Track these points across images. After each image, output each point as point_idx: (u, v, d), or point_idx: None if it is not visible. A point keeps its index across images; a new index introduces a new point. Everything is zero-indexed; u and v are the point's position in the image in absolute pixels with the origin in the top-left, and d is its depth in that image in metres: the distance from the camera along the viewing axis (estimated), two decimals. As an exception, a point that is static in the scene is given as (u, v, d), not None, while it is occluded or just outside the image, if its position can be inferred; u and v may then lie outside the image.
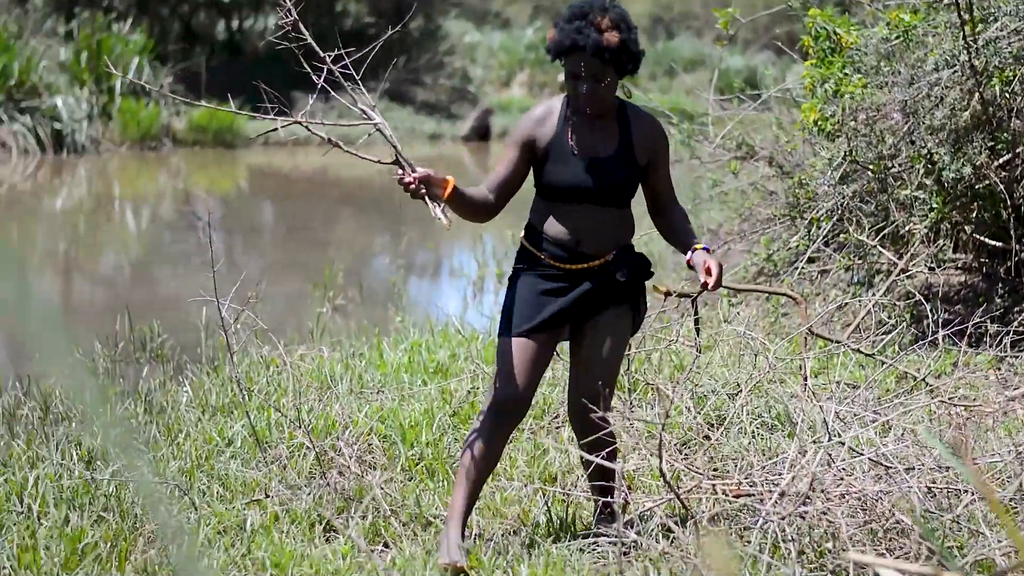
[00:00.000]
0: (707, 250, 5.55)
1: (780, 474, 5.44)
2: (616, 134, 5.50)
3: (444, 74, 33.78)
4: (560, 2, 55.09)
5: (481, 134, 31.76)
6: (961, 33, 7.95)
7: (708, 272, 5.46)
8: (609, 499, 5.57)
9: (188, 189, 19.16)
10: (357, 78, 5.35)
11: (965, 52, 7.97)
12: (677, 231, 5.69)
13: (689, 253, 5.58)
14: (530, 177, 5.55)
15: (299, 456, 6.32)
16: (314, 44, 5.42)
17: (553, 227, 5.45)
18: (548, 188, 5.48)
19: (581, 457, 5.55)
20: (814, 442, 5.52)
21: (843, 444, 5.46)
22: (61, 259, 15.55)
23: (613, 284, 5.48)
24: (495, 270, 13.62)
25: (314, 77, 5.31)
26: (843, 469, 5.46)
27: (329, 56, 5.34)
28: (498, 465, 6.28)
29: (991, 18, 8.30)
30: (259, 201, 21.63)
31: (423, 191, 5.21)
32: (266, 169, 25.41)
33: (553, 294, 5.40)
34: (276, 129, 5.36)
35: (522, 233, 5.56)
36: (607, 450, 5.44)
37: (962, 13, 7.90)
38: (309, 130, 5.35)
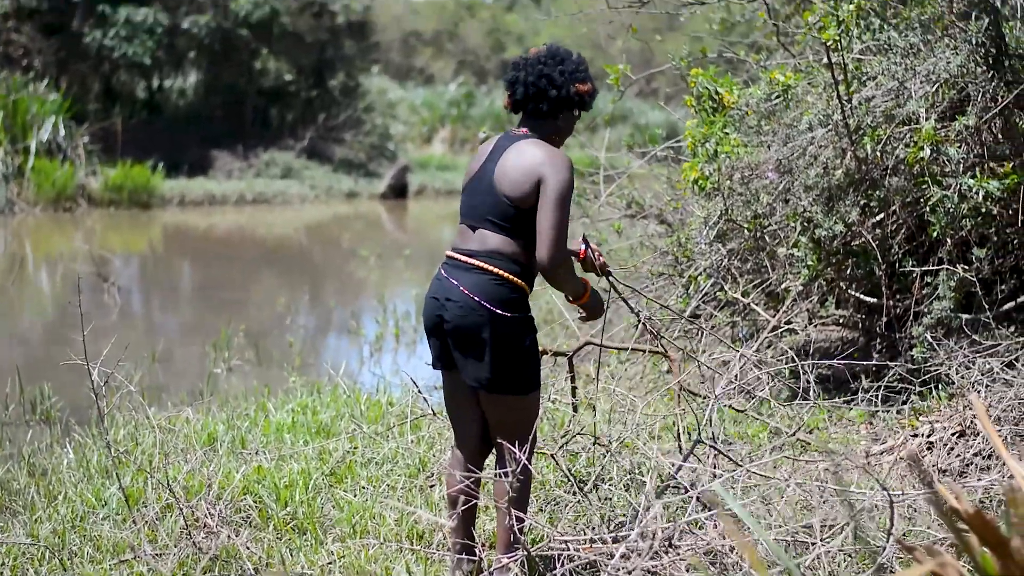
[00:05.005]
0: None
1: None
2: None
3: (363, 131, 33.83)
4: (483, 59, 55.45)
5: (398, 191, 31.84)
6: (835, 92, 8.12)
7: None
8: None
9: (98, 250, 19.12)
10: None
11: (839, 111, 8.13)
12: None
13: None
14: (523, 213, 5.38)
15: (169, 517, 6.38)
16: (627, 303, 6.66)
17: None
18: None
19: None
20: (660, 496, 5.64)
21: (693, 499, 5.59)
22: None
23: None
24: (393, 329, 13.69)
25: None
26: (695, 523, 5.58)
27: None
28: (367, 522, 6.38)
29: (865, 78, 8.49)
30: (173, 261, 21.61)
31: None
32: (182, 228, 25.38)
33: None
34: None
35: (518, 279, 5.36)
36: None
37: (835, 74, 8.08)
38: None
